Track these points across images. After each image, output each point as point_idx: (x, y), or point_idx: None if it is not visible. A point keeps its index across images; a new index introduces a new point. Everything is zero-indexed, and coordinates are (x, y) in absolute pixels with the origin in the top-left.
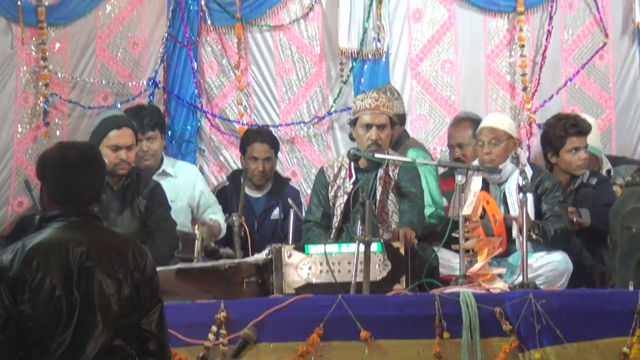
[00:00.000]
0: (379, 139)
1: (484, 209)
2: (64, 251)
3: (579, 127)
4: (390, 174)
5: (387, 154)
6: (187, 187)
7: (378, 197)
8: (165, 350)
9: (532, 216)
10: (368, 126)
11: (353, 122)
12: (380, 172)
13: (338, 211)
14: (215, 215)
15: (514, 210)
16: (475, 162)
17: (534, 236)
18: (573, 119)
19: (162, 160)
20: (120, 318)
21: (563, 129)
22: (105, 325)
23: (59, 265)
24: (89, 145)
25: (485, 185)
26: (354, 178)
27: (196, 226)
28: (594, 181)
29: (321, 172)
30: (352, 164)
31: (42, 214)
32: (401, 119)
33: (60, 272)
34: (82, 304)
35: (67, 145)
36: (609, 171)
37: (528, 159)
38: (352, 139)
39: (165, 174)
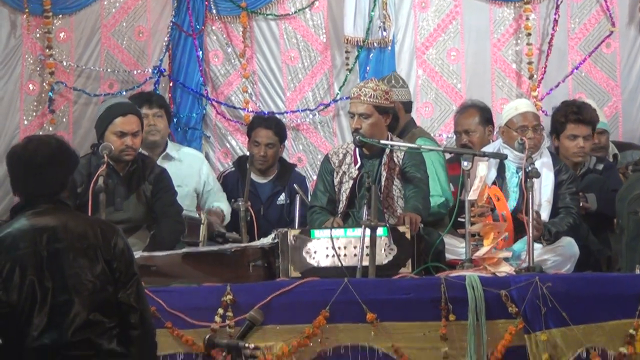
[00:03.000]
0: (360, 127)
1: (493, 205)
2: (32, 237)
3: (579, 115)
4: (395, 159)
5: (392, 139)
6: (193, 173)
7: (383, 183)
8: (146, 322)
9: (551, 197)
10: (351, 114)
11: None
12: (385, 158)
13: (343, 197)
14: (219, 203)
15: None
16: (484, 148)
17: (544, 243)
18: (577, 106)
19: (166, 144)
20: (95, 294)
21: (564, 115)
22: (81, 302)
23: (28, 251)
24: (54, 138)
25: (500, 173)
26: (359, 164)
27: (201, 211)
28: (600, 167)
29: (326, 159)
30: (357, 150)
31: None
32: (406, 106)
33: (30, 257)
34: (54, 285)
35: (31, 141)
36: (615, 156)
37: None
38: None
39: (168, 157)
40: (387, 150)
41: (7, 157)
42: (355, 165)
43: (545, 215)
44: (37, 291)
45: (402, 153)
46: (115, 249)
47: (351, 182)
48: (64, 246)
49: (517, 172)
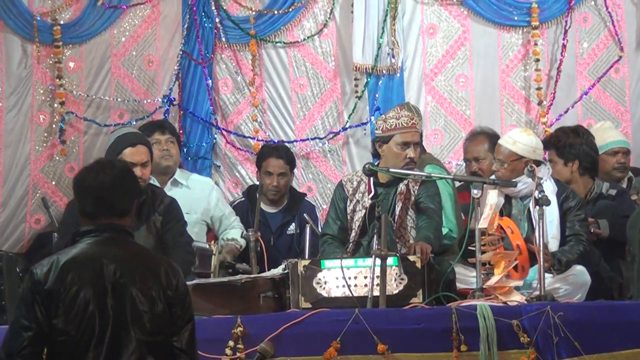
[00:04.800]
0: (415, 157)
1: (504, 234)
2: (99, 267)
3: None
4: (411, 189)
5: None
6: (202, 199)
7: (397, 212)
8: None
9: (558, 236)
10: (405, 144)
11: (385, 140)
12: (401, 187)
13: (355, 225)
14: (235, 230)
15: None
16: (493, 176)
17: (554, 273)
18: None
19: (174, 171)
20: (152, 335)
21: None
22: (138, 342)
23: (93, 280)
24: (121, 162)
25: (508, 200)
26: (372, 193)
27: (212, 241)
28: (613, 192)
29: (340, 186)
30: (372, 178)
31: (76, 229)
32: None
33: (94, 287)
34: (115, 320)
35: (102, 163)
36: (630, 179)
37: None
38: (375, 155)
39: (176, 183)
40: (405, 180)
41: (76, 180)
42: (369, 195)
43: (554, 248)
44: (96, 324)
45: (418, 183)
46: (177, 291)
47: (364, 211)
48: (130, 281)
49: (524, 200)
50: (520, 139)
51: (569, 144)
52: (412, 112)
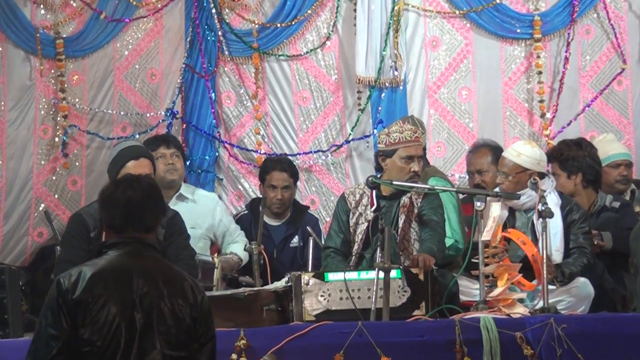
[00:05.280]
0: (419, 170)
1: (508, 246)
2: (128, 279)
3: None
4: (414, 202)
5: None
6: (207, 214)
7: (400, 225)
8: None
9: (562, 249)
10: (410, 158)
11: (388, 154)
12: (404, 199)
13: (358, 238)
14: (237, 244)
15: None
16: (496, 189)
17: (557, 285)
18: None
19: (180, 185)
20: (177, 349)
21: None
22: (164, 356)
23: (121, 292)
24: (150, 179)
25: (512, 212)
26: (375, 206)
27: (215, 254)
28: (617, 205)
29: (342, 199)
30: (375, 191)
31: (102, 241)
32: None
33: (122, 299)
34: (141, 333)
35: (130, 179)
36: (633, 192)
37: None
38: (378, 169)
39: (182, 197)
40: (408, 193)
41: (104, 194)
42: (372, 207)
43: (557, 260)
44: (122, 336)
45: (421, 195)
46: (201, 308)
47: (366, 224)
48: (157, 295)
49: (527, 213)
50: (524, 151)
51: (572, 157)
52: (416, 125)
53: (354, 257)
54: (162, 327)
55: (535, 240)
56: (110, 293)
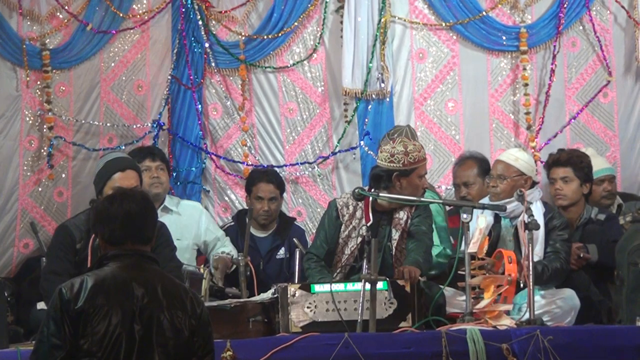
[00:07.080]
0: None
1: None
2: (128, 290)
3: (554, 158)
4: (410, 215)
5: None
6: (192, 225)
7: (396, 239)
8: None
9: (541, 253)
10: (423, 175)
11: (407, 173)
12: (401, 213)
13: (349, 250)
14: (226, 247)
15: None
16: (482, 200)
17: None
18: (559, 151)
19: (164, 198)
20: None
21: (548, 162)
22: None
23: (122, 303)
24: (142, 192)
25: (497, 219)
26: (370, 221)
27: (202, 265)
28: (602, 217)
29: (334, 209)
30: (370, 205)
31: (65, 253)
32: None
33: (123, 310)
34: (140, 344)
35: (124, 193)
36: (620, 206)
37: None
38: (377, 186)
39: (167, 209)
40: (405, 206)
41: (99, 209)
42: (367, 223)
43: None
44: (122, 347)
45: (413, 209)
46: (200, 320)
47: (359, 238)
48: (157, 307)
49: (513, 221)
50: (521, 157)
51: (588, 166)
52: (416, 138)
53: (340, 269)
54: (161, 338)
55: (518, 247)
56: (111, 304)
